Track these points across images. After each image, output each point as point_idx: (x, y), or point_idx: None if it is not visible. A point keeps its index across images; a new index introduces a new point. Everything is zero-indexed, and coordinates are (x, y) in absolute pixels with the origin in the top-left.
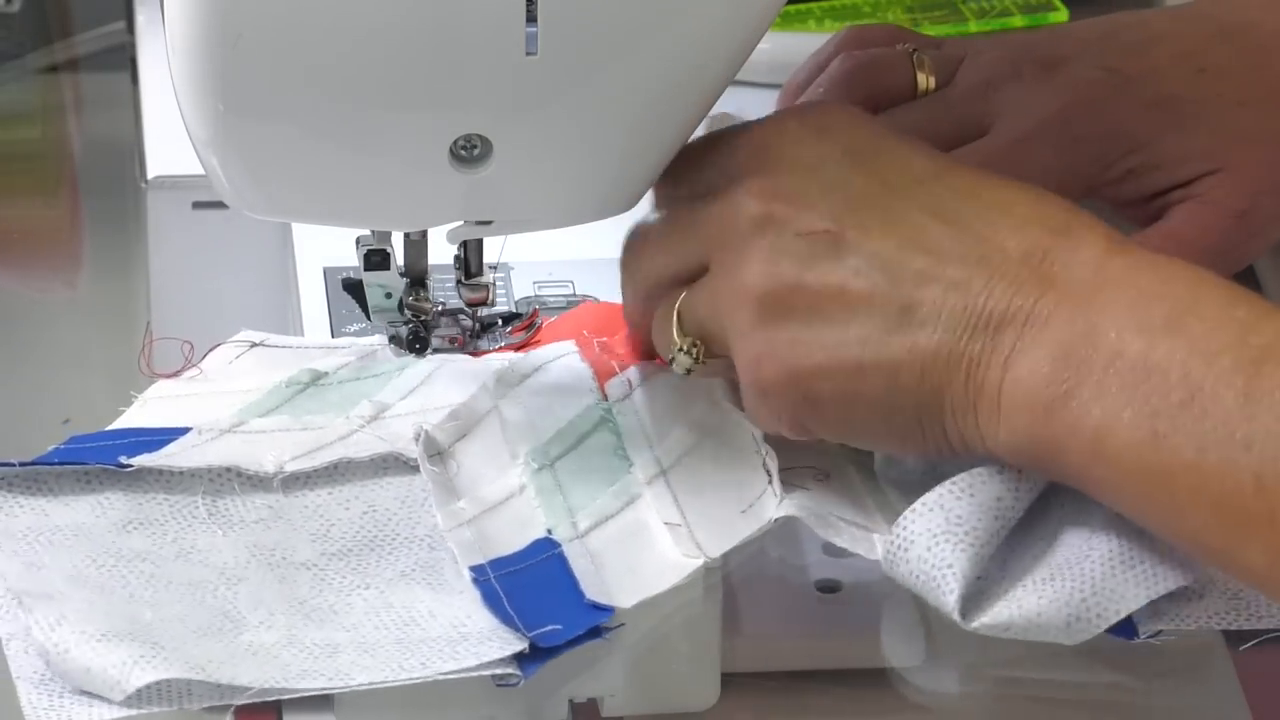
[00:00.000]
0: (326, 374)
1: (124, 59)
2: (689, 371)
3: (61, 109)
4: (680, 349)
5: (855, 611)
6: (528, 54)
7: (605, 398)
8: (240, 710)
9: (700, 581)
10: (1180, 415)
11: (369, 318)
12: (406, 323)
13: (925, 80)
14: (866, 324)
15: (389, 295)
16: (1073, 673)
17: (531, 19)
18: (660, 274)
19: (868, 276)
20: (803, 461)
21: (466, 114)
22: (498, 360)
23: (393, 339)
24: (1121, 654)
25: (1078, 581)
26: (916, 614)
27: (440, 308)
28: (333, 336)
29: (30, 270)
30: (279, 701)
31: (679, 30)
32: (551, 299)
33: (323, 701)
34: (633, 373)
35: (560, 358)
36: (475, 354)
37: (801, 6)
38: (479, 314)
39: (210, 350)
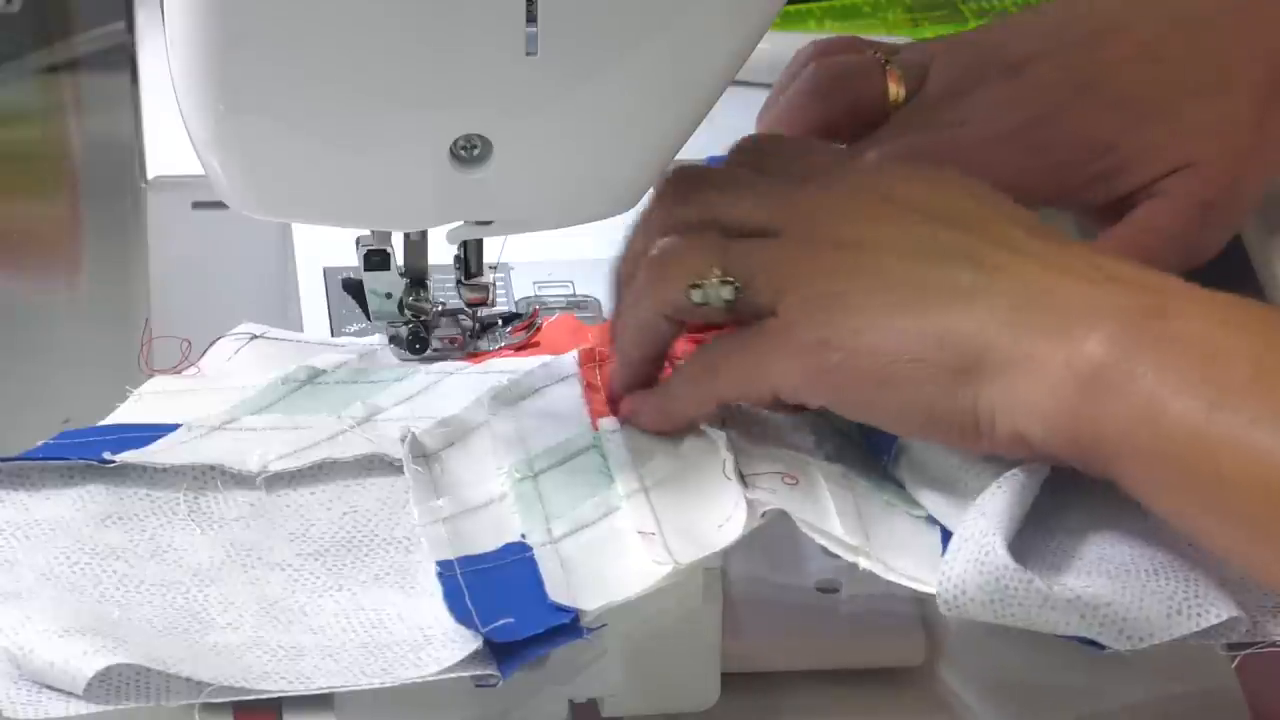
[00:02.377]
0: (324, 372)
1: (124, 59)
2: (726, 304)
3: (61, 109)
4: (719, 279)
5: (855, 611)
6: (528, 54)
7: (596, 429)
8: (240, 710)
9: (700, 582)
10: (1241, 391)
11: (369, 318)
12: (406, 323)
13: (896, 89)
14: (930, 290)
15: (389, 295)
16: (1072, 672)
17: (531, 19)
18: (714, 215)
19: (949, 259)
20: (772, 467)
21: (466, 114)
22: (497, 378)
23: (393, 339)
24: (1197, 641)
25: (1182, 582)
26: (916, 614)
27: (440, 308)
28: (333, 336)
29: (30, 270)
30: (279, 702)
31: (679, 30)
32: (551, 299)
33: (323, 701)
34: None
35: (559, 382)
36: (475, 356)
37: (801, 6)
38: (479, 314)
39: (211, 344)
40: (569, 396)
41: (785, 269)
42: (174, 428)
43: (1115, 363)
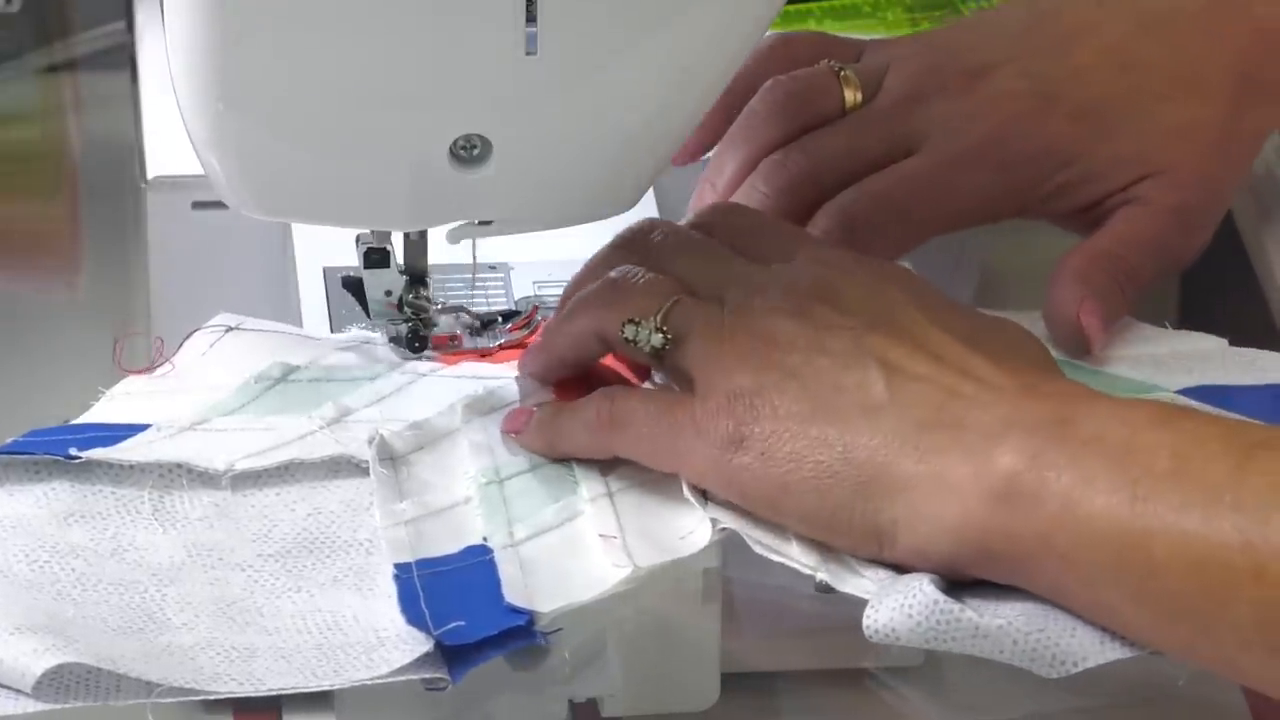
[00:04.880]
0: (298, 368)
1: (124, 59)
2: (652, 350)
3: (61, 109)
4: (656, 328)
5: (855, 611)
6: (528, 54)
7: None
8: (239, 710)
9: (700, 582)
10: (1163, 482)
11: (369, 316)
12: (406, 321)
13: (853, 96)
14: (842, 400)
15: (389, 294)
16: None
17: (531, 19)
18: (677, 271)
19: (867, 368)
20: None
21: (466, 114)
22: (471, 384)
23: (393, 338)
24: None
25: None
26: None
27: (440, 306)
28: (331, 334)
29: (30, 270)
30: (279, 701)
31: (678, 30)
32: (551, 299)
33: (323, 701)
34: None
35: (531, 395)
36: (449, 356)
37: (801, 6)
38: (477, 313)
39: (186, 338)
40: None
41: (718, 349)
42: (144, 428)
43: (1026, 470)
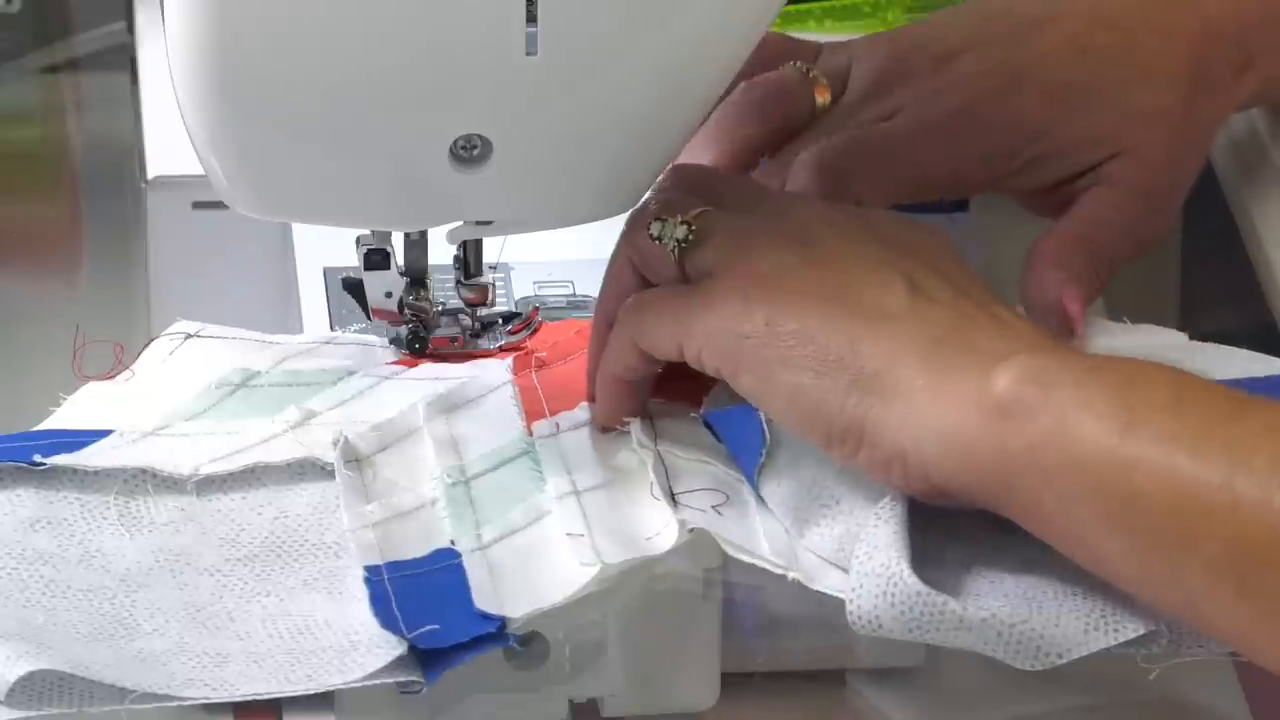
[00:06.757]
0: (259, 373)
1: (124, 59)
2: (675, 244)
3: (61, 109)
4: (681, 220)
5: None
6: (528, 54)
7: (530, 434)
8: (240, 710)
9: (700, 581)
10: (1159, 412)
11: (369, 317)
12: (406, 322)
13: (822, 98)
14: (862, 297)
15: (389, 295)
16: (1073, 671)
17: (531, 19)
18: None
19: (891, 277)
20: (703, 484)
21: (466, 114)
22: (433, 385)
23: (393, 339)
24: (1120, 652)
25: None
26: None
27: (440, 307)
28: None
29: (30, 270)
30: (279, 702)
31: (679, 30)
32: (551, 299)
33: (323, 701)
34: (561, 419)
35: (494, 391)
36: (411, 360)
37: (801, 6)
38: (479, 313)
39: (145, 346)
40: (503, 403)
41: (740, 241)
42: (106, 433)
43: (1027, 386)
